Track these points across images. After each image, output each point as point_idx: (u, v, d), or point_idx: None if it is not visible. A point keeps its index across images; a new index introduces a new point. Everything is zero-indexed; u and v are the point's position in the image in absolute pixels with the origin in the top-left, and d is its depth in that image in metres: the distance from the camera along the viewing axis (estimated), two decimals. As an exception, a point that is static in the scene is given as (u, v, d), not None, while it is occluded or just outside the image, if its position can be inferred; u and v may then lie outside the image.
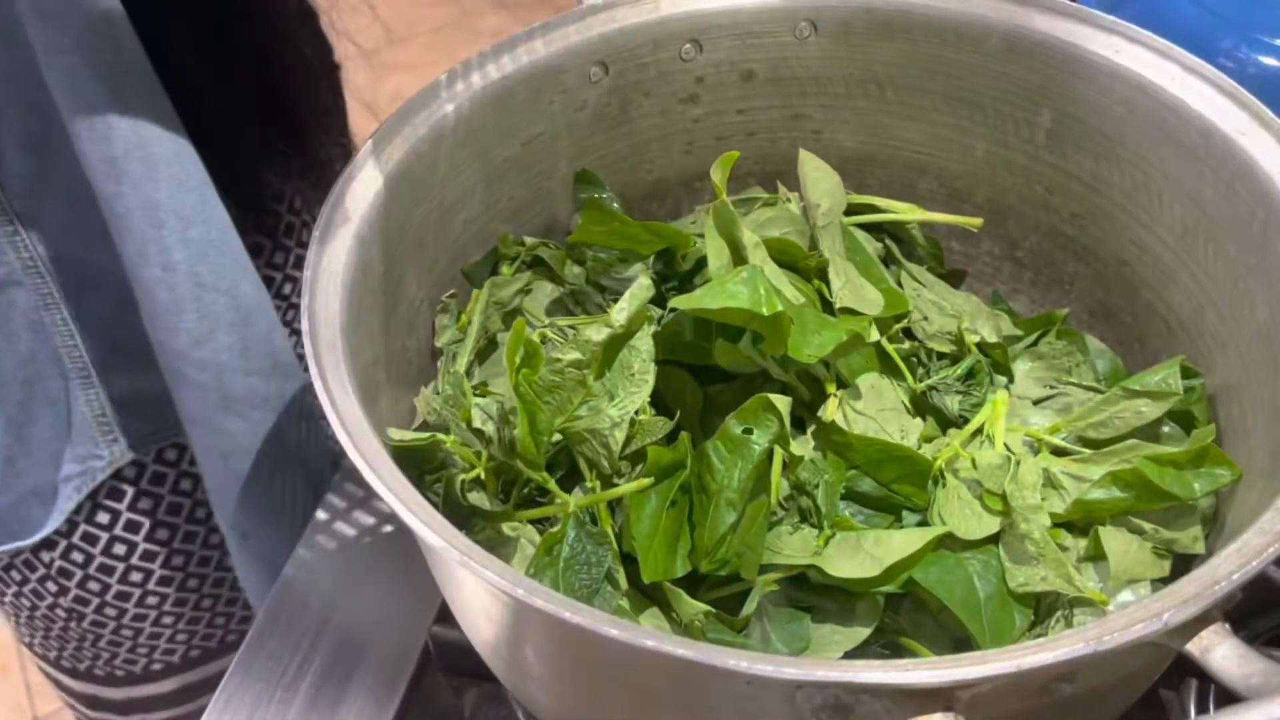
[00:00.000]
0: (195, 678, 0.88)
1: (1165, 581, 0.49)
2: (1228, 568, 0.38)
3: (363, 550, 0.70)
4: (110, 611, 0.81)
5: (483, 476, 0.51)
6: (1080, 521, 0.50)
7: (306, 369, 0.70)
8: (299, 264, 0.83)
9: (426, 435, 0.51)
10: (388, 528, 0.70)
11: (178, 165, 0.63)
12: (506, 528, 0.51)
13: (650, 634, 0.36)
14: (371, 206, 0.53)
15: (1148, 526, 0.50)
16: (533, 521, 0.52)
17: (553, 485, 0.50)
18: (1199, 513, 0.50)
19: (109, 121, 0.60)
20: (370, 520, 0.72)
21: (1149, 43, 0.55)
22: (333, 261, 0.50)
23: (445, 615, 0.64)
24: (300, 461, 0.75)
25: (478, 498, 0.51)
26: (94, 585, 0.79)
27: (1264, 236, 0.50)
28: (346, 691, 0.63)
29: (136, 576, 0.81)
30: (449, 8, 2.79)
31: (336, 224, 0.51)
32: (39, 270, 0.67)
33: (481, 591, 0.44)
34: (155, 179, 0.62)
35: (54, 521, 0.75)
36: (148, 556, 0.81)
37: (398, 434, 0.50)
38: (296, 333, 0.82)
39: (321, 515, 0.73)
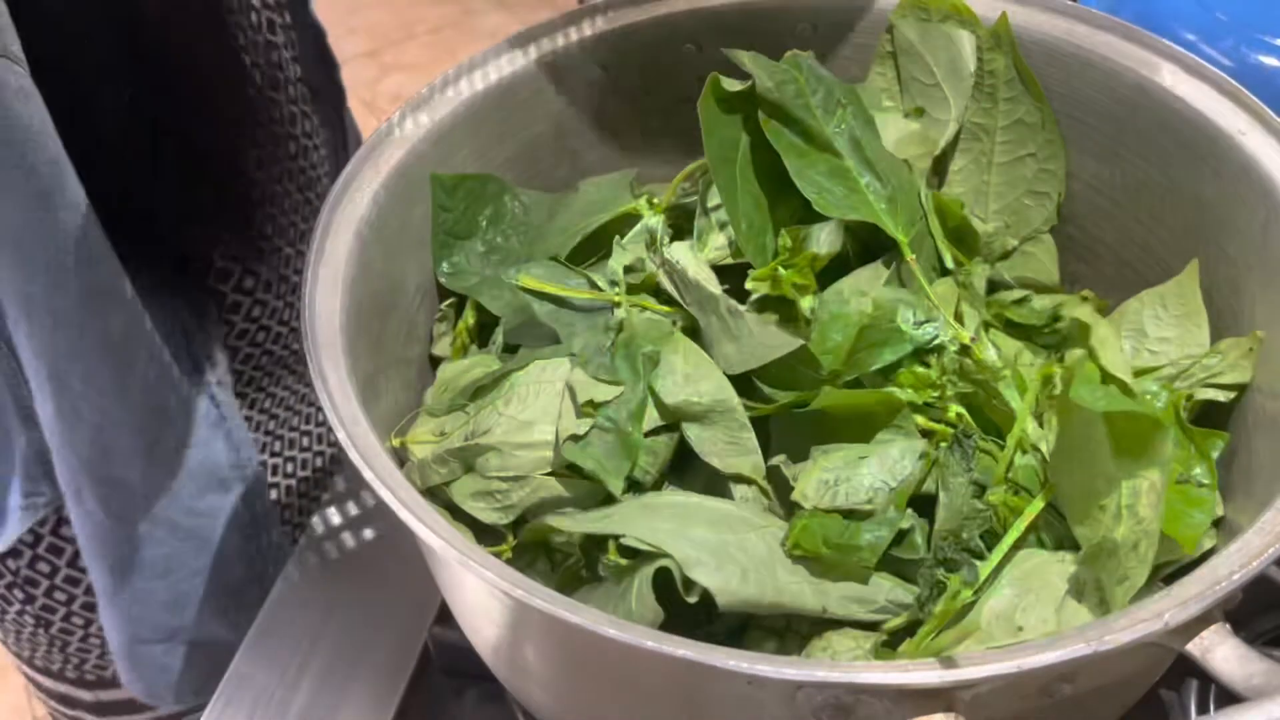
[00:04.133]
0: None
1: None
2: (1228, 568, 0.38)
3: (363, 551, 0.70)
4: (77, 620, 0.81)
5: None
6: None
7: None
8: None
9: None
10: (387, 528, 0.71)
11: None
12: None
13: (650, 634, 0.36)
14: (371, 206, 0.53)
15: None
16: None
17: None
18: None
19: None
20: (370, 521, 0.72)
21: (1149, 43, 0.55)
22: (332, 260, 0.50)
23: (445, 615, 0.64)
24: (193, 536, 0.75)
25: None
26: (60, 595, 0.79)
27: (1264, 236, 0.50)
28: (346, 691, 0.63)
29: None
30: (449, 8, 2.79)
31: (336, 223, 0.51)
32: None
33: (481, 591, 0.44)
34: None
35: (1, 544, 0.75)
36: None
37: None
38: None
39: (321, 515, 0.73)
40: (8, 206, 0.57)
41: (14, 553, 0.76)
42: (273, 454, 0.84)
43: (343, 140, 0.87)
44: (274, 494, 0.82)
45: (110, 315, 0.64)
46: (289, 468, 0.85)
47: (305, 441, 0.86)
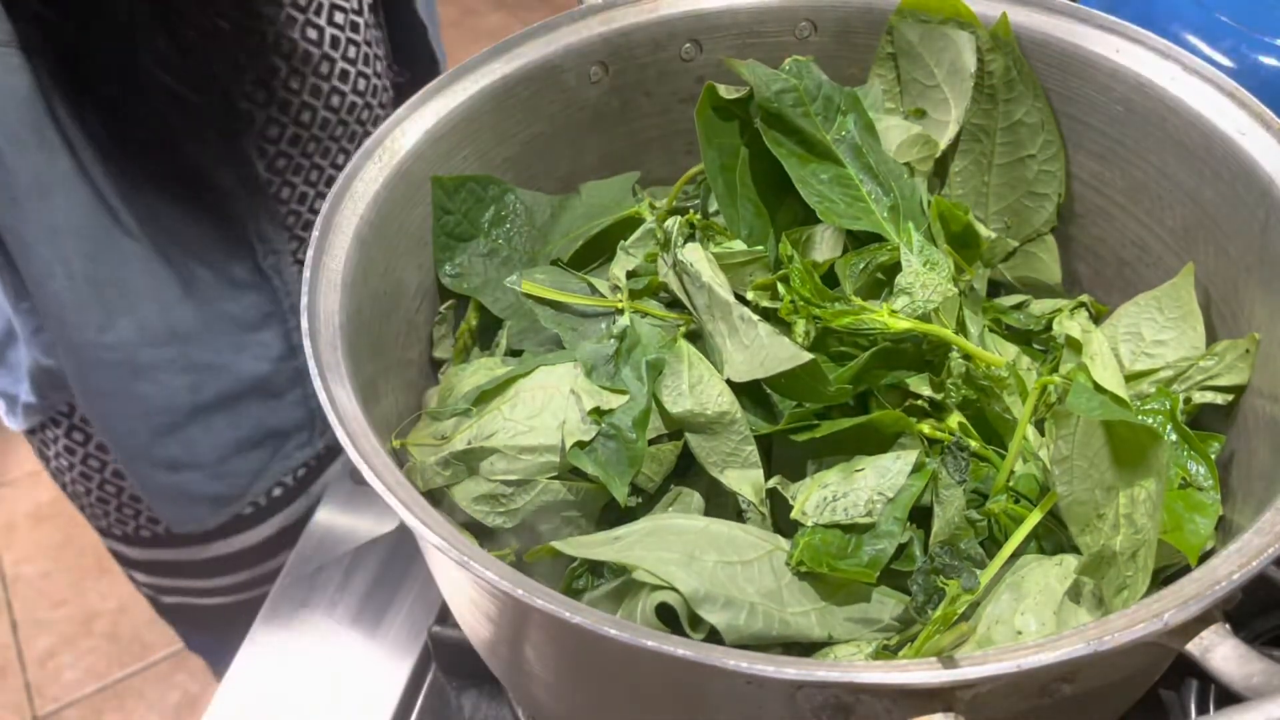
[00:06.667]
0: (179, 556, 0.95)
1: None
2: (1228, 568, 0.38)
3: (363, 550, 0.70)
4: (110, 488, 0.90)
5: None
6: None
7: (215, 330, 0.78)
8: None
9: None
10: (388, 528, 0.71)
11: (66, 190, 0.69)
12: None
13: (650, 634, 0.36)
14: (371, 206, 0.53)
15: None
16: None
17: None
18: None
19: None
20: (370, 520, 0.72)
21: (1149, 43, 0.55)
22: (332, 261, 0.50)
23: (445, 615, 0.64)
24: (223, 406, 0.83)
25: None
26: (94, 463, 0.89)
27: (1264, 236, 0.50)
28: (346, 692, 0.63)
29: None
30: (449, 8, 2.78)
31: (336, 223, 0.51)
32: None
33: (481, 591, 0.44)
34: (51, 206, 0.68)
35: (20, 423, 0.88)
36: None
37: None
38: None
39: (321, 515, 0.73)
40: None
41: (53, 420, 0.88)
42: None
43: None
44: None
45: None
46: None
47: None
